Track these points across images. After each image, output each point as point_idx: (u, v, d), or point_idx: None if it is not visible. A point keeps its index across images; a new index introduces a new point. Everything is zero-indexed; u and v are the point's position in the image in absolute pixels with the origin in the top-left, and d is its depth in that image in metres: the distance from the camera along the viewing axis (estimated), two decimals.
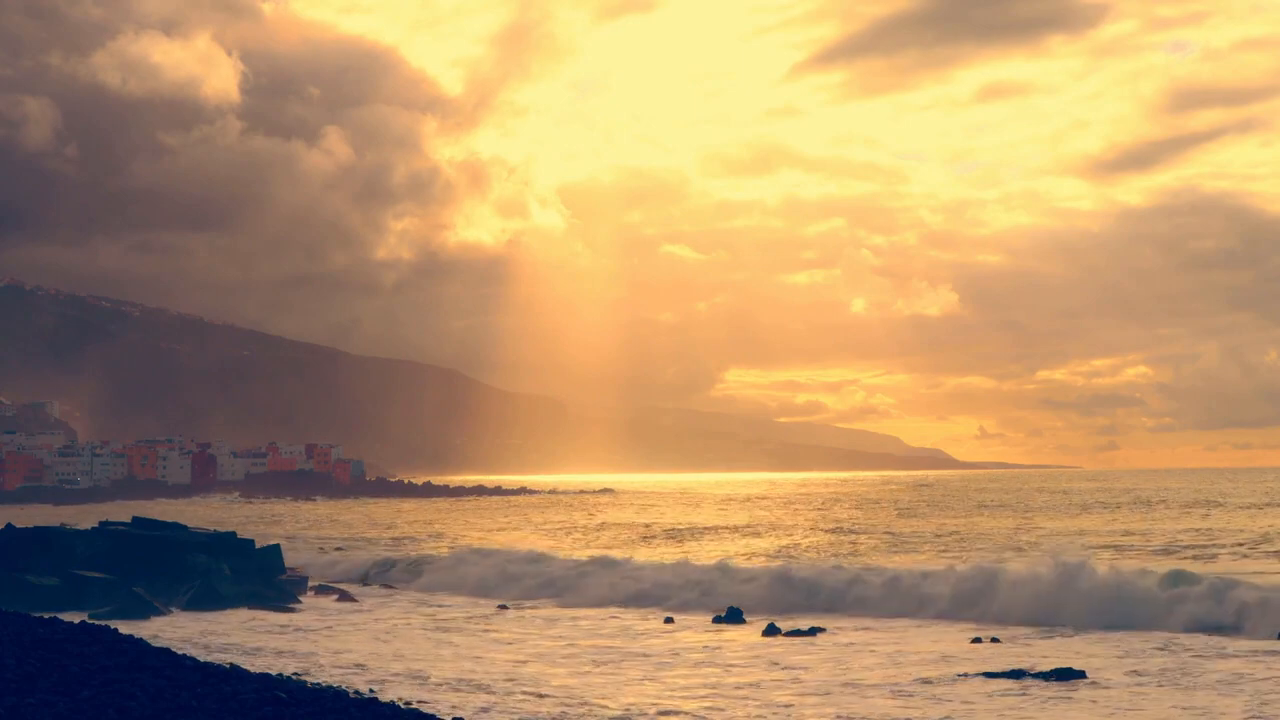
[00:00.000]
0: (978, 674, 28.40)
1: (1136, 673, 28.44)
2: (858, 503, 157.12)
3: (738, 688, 27.31)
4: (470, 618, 42.84)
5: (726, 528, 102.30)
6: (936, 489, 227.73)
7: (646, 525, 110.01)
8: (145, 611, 42.54)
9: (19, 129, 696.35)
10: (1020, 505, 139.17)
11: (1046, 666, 28.70)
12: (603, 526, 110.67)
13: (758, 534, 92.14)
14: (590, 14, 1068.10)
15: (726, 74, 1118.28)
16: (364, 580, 58.38)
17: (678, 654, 33.14)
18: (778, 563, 58.15)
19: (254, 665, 29.18)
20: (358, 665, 31.12)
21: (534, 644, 35.54)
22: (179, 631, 38.37)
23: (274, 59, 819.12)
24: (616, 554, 62.87)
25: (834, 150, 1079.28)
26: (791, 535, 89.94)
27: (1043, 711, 24.47)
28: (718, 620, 40.60)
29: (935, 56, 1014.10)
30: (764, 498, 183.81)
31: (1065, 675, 27.52)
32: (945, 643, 34.65)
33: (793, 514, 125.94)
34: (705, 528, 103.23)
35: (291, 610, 45.36)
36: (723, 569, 50.08)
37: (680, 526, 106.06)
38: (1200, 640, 33.67)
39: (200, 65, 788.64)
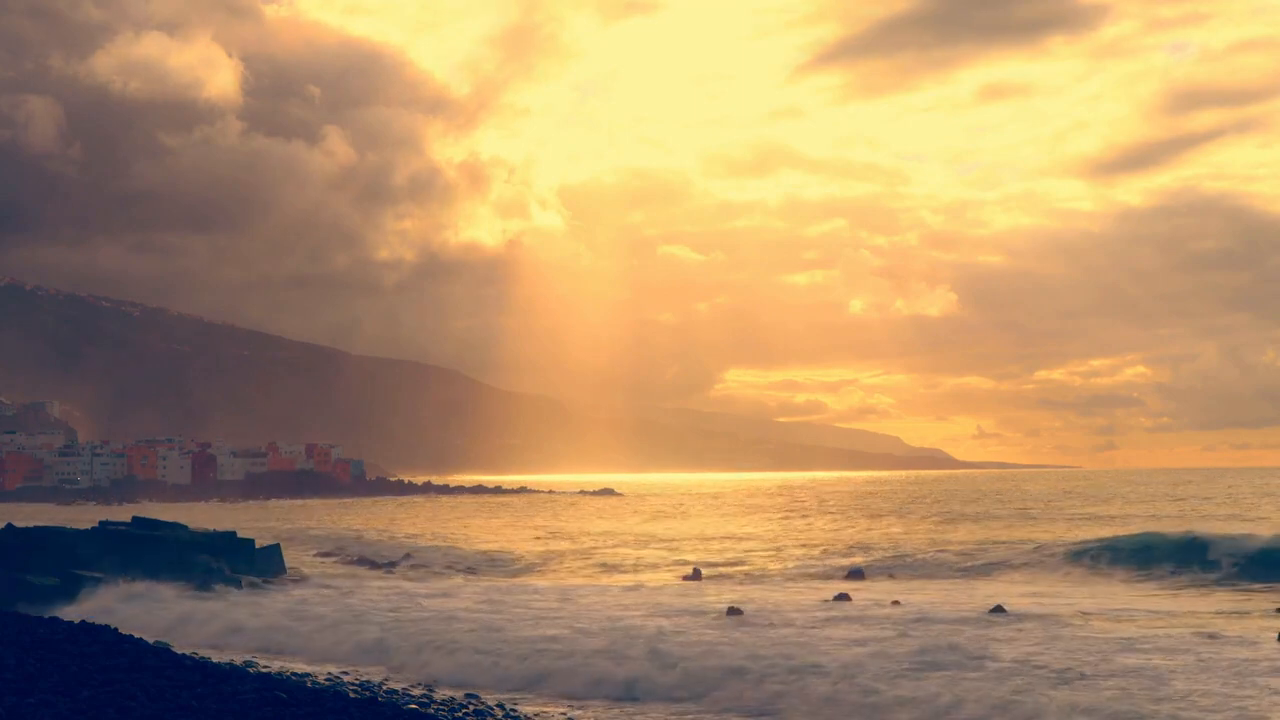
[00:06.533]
0: None
1: None
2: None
3: None
4: None
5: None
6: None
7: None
8: None
9: (23, 130, 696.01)
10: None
11: None
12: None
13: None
14: (594, 16, 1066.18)
15: (728, 75, 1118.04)
16: None
17: None
18: None
19: (248, 654, 29.28)
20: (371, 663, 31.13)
21: None
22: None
23: (275, 60, 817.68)
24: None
25: (835, 151, 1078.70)
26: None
27: None
28: None
29: (936, 57, 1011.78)
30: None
31: None
32: None
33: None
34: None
35: None
36: None
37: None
38: None
39: (201, 66, 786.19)
